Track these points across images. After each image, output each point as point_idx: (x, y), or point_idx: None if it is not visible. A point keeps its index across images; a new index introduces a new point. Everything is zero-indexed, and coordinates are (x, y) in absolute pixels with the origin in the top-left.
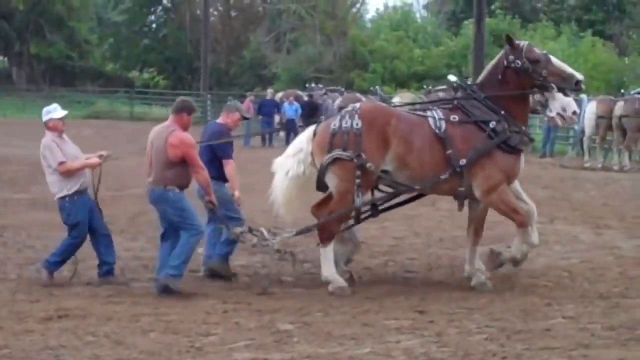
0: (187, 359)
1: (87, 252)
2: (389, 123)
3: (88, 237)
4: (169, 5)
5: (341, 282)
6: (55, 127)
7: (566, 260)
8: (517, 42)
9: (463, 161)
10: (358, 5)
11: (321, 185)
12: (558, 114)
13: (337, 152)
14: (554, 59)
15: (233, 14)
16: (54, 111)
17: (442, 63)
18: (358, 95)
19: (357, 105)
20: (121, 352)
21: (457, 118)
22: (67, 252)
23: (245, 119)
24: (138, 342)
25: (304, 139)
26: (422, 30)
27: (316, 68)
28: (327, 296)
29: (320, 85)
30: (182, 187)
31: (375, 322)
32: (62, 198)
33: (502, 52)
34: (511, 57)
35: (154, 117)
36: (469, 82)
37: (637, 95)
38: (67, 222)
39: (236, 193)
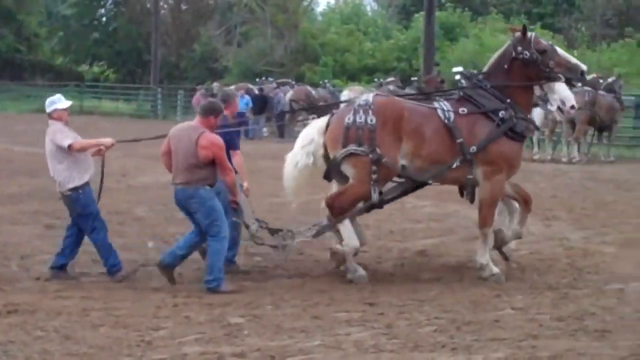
0: (137, 353)
1: (35, 246)
2: (402, 117)
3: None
4: None
5: (361, 271)
6: (60, 117)
7: (515, 252)
8: (519, 34)
9: (473, 148)
10: None
11: (329, 175)
12: (558, 107)
13: (352, 147)
14: (559, 50)
15: (183, 7)
16: (59, 102)
17: (393, 56)
18: (308, 88)
19: (370, 98)
20: (70, 347)
21: (465, 109)
22: (106, 246)
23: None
24: (88, 336)
25: (314, 131)
26: (373, 23)
27: (267, 61)
28: (277, 289)
29: (271, 79)
30: (210, 185)
31: (325, 315)
32: (74, 189)
33: (508, 42)
34: (519, 48)
35: (104, 111)
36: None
37: (585, 88)
38: (82, 214)
39: (245, 184)
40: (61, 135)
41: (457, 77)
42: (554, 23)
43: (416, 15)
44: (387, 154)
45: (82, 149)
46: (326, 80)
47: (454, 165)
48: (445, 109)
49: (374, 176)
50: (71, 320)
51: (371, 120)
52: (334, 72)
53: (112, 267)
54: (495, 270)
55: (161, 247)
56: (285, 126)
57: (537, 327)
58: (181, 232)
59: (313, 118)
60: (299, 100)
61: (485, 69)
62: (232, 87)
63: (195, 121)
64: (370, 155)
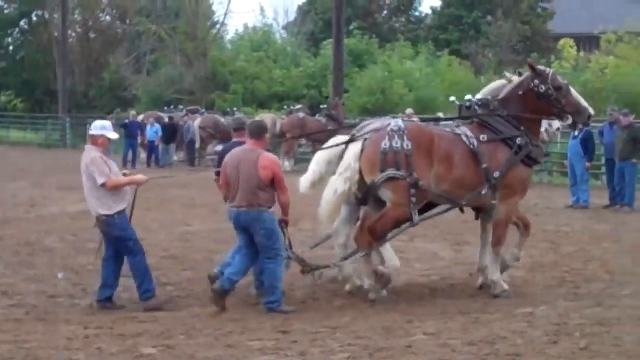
0: None
1: None
2: (432, 142)
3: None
4: (26, 27)
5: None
6: (103, 144)
7: (426, 277)
8: (541, 68)
9: (497, 173)
10: (218, 26)
11: (364, 200)
12: (545, 129)
13: (390, 172)
14: (572, 90)
15: (91, 35)
16: (109, 130)
17: (302, 83)
18: (216, 116)
19: (400, 124)
20: None
21: (485, 136)
22: (141, 270)
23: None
24: None
25: (351, 157)
26: (282, 50)
27: (177, 89)
28: (190, 319)
29: (181, 107)
30: (270, 207)
31: (238, 344)
32: (110, 215)
33: (526, 74)
34: (536, 81)
35: (13, 141)
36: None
37: None
38: (121, 236)
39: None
40: (98, 169)
41: (467, 104)
42: (461, 49)
43: (325, 42)
44: (422, 177)
45: (115, 188)
46: (234, 108)
47: (483, 192)
48: (468, 134)
49: (413, 199)
50: None
51: (407, 145)
52: (244, 100)
53: (145, 292)
54: (505, 287)
55: (71, 277)
56: (195, 154)
57: (449, 352)
58: (91, 262)
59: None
60: (207, 127)
61: (500, 96)
62: (141, 115)
63: (248, 143)
64: (408, 179)
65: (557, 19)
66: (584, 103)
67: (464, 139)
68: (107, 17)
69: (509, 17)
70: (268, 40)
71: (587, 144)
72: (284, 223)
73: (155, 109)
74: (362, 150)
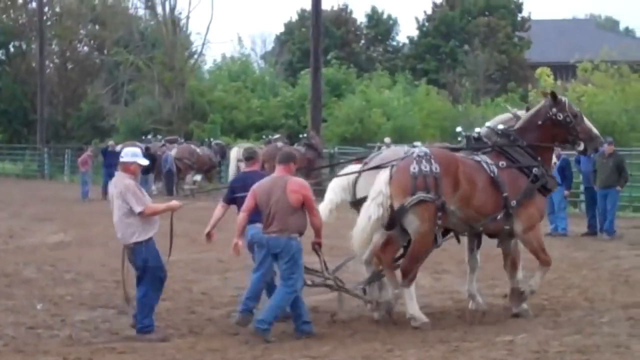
0: None
1: None
2: (458, 167)
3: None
4: (3, 57)
5: (424, 318)
6: (135, 171)
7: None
8: (559, 96)
9: (514, 202)
10: (196, 57)
11: (392, 225)
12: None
13: (421, 195)
14: (585, 118)
15: (69, 66)
16: (140, 157)
17: (281, 113)
18: (192, 146)
19: (425, 150)
20: None
21: (504, 163)
22: (150, 305)
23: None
24: None
25: (382, 182)
26: (260, 80)
27: (155, 119)
28: (169, 349)
29: (159, 137)
30: (301, 233)
31: None
32: (139, 243)
33: (543, 102)
34: (554, 109)
35: None
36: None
37: None
38: (142, 265)
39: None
40: (134, 198)
41: (476, 135)
42: (439, 78)
43: (303, 72)
44: (448, 200)
45: (152, 215)
46: (211, 139)
47: (498, 217)
48: (488, 162)
49: (439, 222)
50: None
51: (436, 169)
52: (223, 130)
53: (142, 326)
54: (525, 306)
55: (50, 308)
56: (173, 184)
57: None
58: (70, 293)
59: (194, 176)
60: (183, 158)
61: (518, 125)
62: (119, 146)
63: (278, 171)
64: (437, 202)
65: (534, 48)
66: (595, 130)
67: (485, 166)
68: (85, 48)
69: (486, 47)
70: (246, 70)
71: (564, 172)
72: (317, 245)
73: (133, 139)
74: (391, 176)
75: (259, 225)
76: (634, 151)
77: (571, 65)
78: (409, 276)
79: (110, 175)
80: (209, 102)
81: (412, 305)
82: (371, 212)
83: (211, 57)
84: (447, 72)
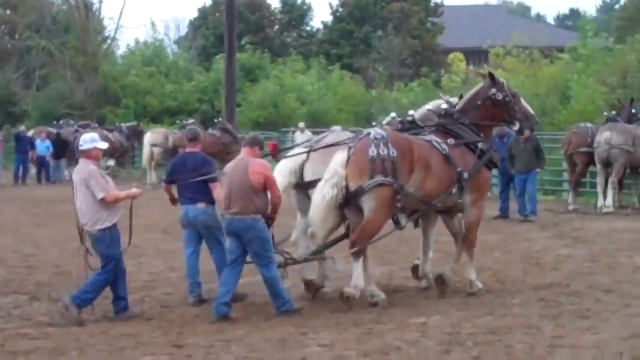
0: None
1: None
2: (413, 149)
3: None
4: None
5: (357, 290)
6: (97, 156)
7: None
8: (497, 78)
9: (466, 175)
10: (109, 41)
11: (346, 205)
12: None
13: (380, 178)
14: (522, 99)
15: None
16: (99, 141)
17: (195, 98)
18: (105, 132)
19: (382, 132)
20: None
21: (452, 140)
22: (97, 287)
23: None
24: None
25: (338, 163)
26: (174, 65)
27: (68, 104)
28: (83, 334)
29: (72, 122)
30: (263, 213)
31: (132, 359)
32: (103, 230)
33: (482, 83)
34: (493, 90)
35: None
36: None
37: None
38: (105, 253)
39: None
40: (96, 184)
41: (410, 118)
42: (353, 63)
43: (217, 57)
44: (406, 182)
45: (114, 202)
46: (121, 124)
47: (453, 191)
48: (438, 141)
49: (398, 204)
50: None
51: (393, 153)
52: (136, 114)
53: (81, 302)
54: (480, 285)
55: None
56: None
57: None
58: None
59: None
60: None
61: (459, 106)
62: (32, 131)
63: (242, 153)
64: (395, 185)
65: (447, 33)
66: (531, 110)
67: (436, 144)
68: None
69: (400, 32)
70: (160, 55)
71: None
72: (270, 220)
73: (45, 124)
74: (348, 158)
75: (199, 206)
76: (545, 135)
77: (483, 51)
78: (357, 250)
79: (22, 161)
80: (122, 87)
81: (359, 278)
82: (325, 192)
83: (124, 42)
84: (361, 57)
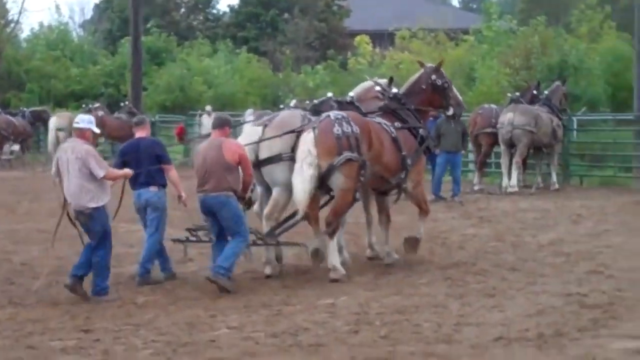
0: None
1: None
2: (370, 128)
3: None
4: None
5: (342, 270)
6: (89, 137)
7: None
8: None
9: (409, 160)
10: (12, 25)
11: (323, 183)
12: None
13: (348, 154)
14: (453, 86)
15: None
16: (94, 125)
17: (100, 81)
18: (9, 117)
19: (340, 113)
20: None
21: (398, 124)
22: (105, 267)
23: None
24: None
25: (309, 143)
26: (79, 49)
27: None
28: None
29: None
30: (235, 191)
31: (40, 344)
32: (98, 208)
33: (422, 70)
34: (434, 76)
35: None
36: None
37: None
38: (100, 230)
39: (183, 195)
40: (95, 162)
41: (349, 99)
42: (260, 47)
43: (122, 40)
44: (366, 160)
45: (113, 179)
46: (24, 108)
47: (402, 176)
48: (387, 123)
49: (362, 178)
50: None
51: (355, 130)
52: (41, 99)
53: (99, 289)
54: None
55: None
56: None
57: (253, 345)
58: None
59: (11, 146)
60: (1, 129)
61: (402, 90)
62: None
63: (213, 134)
64: (359, 161)
65: (353, 16)
66: (460, 97)
67: (386, 127)
68: None
69: (306, 15)
70: (64, 38)
71: None
72: (240, 199)
73: None
74: (315, 138)
75: (152, 189)
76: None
77: (389, 33)
78: (331, 228)
79: None
80: (26, 71)
81: (334, 256)
82: (304, 172)
83: (28, 26)
84: (268, 41)
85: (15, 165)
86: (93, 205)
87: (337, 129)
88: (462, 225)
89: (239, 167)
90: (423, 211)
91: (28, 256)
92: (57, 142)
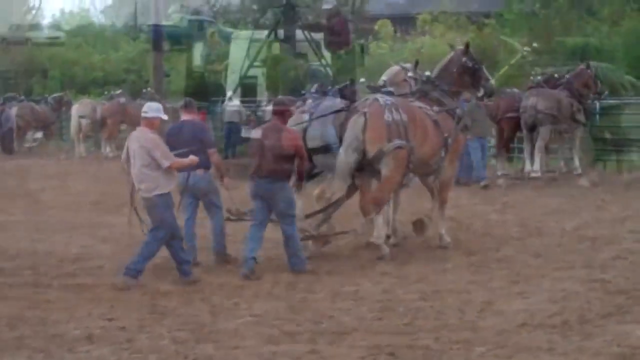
0: None
1: None
2: (415, 114)
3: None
4: None
5: (386, 249)
6: (157, 126)
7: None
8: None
9: (450, 140)
10: (34, 12)
11: (363, 168)
12: None
13: (398, 142)
14: (483, 67)
15: None
16: (162, 113)
17: (122, 68)
18: (32, 104)
19: (388, 99)
20: None
21: (436, 108)
22: (148, 253)
23: None
24: None
25: (358, 129)
26: (101, 35)
27: None
28: (12, 308)
29: None
30: (289, 179)
31: (65, 332)
32: (160, 195)
33: (452, 52)
34: (464, 58)
35: None
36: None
37: None
38: (160, 218)
39: (226, 179)
40: (160, 153)
41: (382, 83)
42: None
43: (144, 25)
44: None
45: (178, 169)
46: (47, 95)
47: (443, 155)
48: (426, 107)
49: (410, 165)
50: None
51: (404, 118)
52: (63, 86)
53: (133, 270)
54: (449, 239)
55: None
56: (13, 142)
57: (277, 333)
58: None
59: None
60: (24, 116)
61: (435, 74)
62: None
63: (273, 120)
64: (408, 148)
65: (374, 1)
66: (491, 79)
67: (425, 111)
68: None
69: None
70: (86, 24)
71: None
72: (295, 186)
73: None
74: (365, 123)
75: (198, 172)
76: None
77: (411, 17)
78: (379, 207)
79: None
80: (48, 58)
81: (381, 228)
82: (349, 157)
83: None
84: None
85: (39, 153)
86: (156, 192)
87: (387, 115)
88: (486, 211)
89: (295, 156)
90: (443, 198)
91: (52, 245)
92: (80, 130)
